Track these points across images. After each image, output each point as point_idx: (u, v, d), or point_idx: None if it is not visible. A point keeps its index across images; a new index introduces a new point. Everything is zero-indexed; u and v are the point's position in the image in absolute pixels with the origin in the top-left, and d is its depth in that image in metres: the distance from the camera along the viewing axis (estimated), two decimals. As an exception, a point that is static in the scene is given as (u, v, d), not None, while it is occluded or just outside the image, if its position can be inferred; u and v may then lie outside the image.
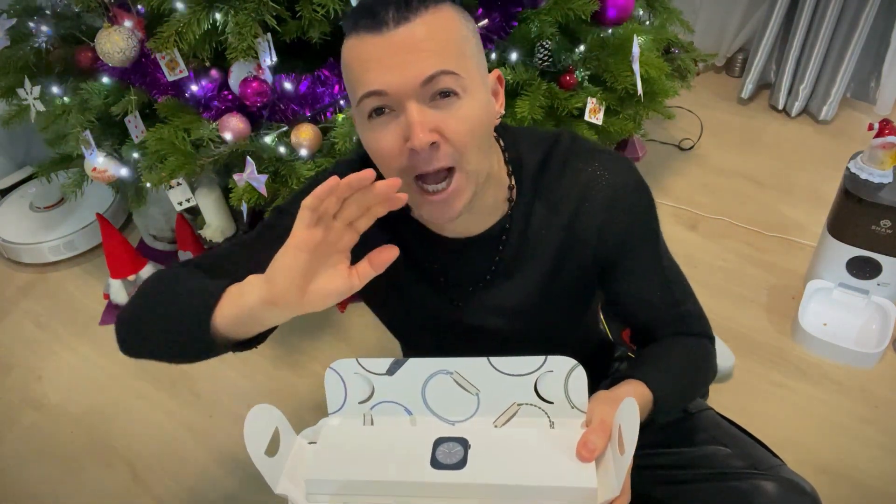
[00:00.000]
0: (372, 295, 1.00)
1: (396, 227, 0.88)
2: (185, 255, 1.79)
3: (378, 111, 0.72)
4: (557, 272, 0.89)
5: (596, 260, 0.88)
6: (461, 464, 0.67)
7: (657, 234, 0.90)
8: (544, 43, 1.50)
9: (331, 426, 0.74)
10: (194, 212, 1.74)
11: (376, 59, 0.69)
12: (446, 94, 0.71)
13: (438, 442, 0.70)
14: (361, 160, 0.87)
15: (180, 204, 1.58)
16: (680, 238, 2.00)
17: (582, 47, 1.58)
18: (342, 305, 1.85)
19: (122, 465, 1.55)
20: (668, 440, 1.07)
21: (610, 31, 1.62)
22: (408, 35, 0.69)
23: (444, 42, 0.70)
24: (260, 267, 0.74)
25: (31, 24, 1.64)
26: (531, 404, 0.70)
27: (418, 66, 0.69)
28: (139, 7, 1.49)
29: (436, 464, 0.68)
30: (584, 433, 0.67)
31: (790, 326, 1.71)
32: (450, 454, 0.68)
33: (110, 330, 1.88)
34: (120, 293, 1.84)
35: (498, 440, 0.70)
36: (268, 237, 0.87)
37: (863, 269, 1.67)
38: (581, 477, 0.64)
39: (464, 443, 0.70)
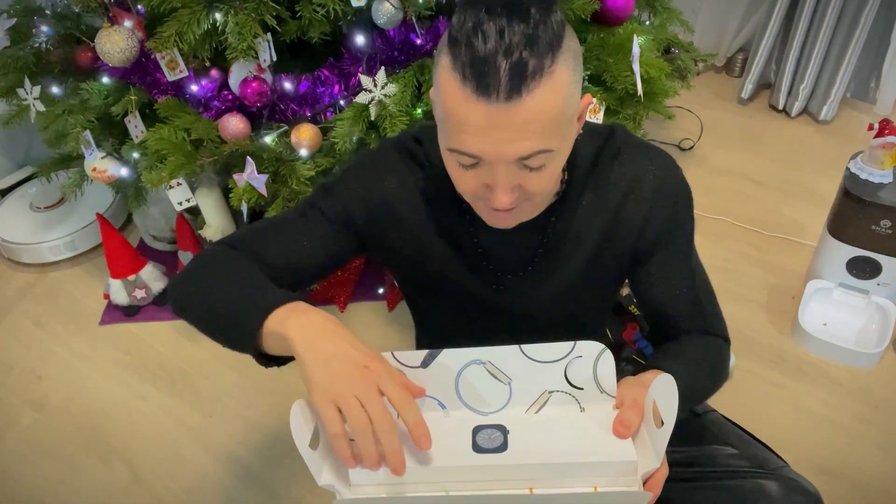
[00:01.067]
0: (411, 283, 1.02)
1: (442, 209, 0.90)
2: (185, 255, 1.79)
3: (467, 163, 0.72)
4: (598, 259, 0.91)
5: (634, 249, 0.91)
6: (503, 447, 0.69)
7: (692, 234, 0.93)
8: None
9: None
10: (194, 212, 1.74)
11: (478, 126, 0.67)
12: (539, 166, 0.71)
13: (477, 429, 0.71)
14: (421, 151, 0.89)
15: (180, 204, 1.58)
16: (680, 238, 2.00)
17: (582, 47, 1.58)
18: (342, 305, 1.85)
19: (122, 465, 1.55)
20: (674, 439, 1.07)
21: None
22: (515, 113, 0.65)
23: (550, 120, 0.68)
24: (306, 249, 0.82)
25: (31, 25, 1.64)
26: (561, 391, 0.73)
27: (518, 146, 0.68)
28: (139, 7, 1.49)
29: (477, 448, 0.69)
30: (619, 411, 0.70)
31: (790, 326, 1.71)
32: (490, 439, 0.70)
33: (110, 330, 1.89)
34: (120, 293, 1.84)
35: (534, 424, 0.72)
36: (312, 217, 0.89)
37: (863, 269, 1.67)
38: (621, 451, 0.67)
39: (502, 429, 0.71)
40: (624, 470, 0.66)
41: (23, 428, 1.65)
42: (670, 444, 0.93)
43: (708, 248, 1.97)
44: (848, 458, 1.44)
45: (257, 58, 1.38)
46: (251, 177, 1.39)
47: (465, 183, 0.75)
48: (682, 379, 0.82)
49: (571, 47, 0.69)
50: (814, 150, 2.33)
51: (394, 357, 0.73)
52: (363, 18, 1.44)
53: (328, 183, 0.91)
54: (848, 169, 1.62)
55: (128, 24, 1.44)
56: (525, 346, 0.71)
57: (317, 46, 1.45)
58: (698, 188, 2.42)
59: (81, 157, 1.62)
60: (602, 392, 0.72)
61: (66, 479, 1.54)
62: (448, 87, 0.68)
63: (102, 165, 1.59)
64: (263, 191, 1.40)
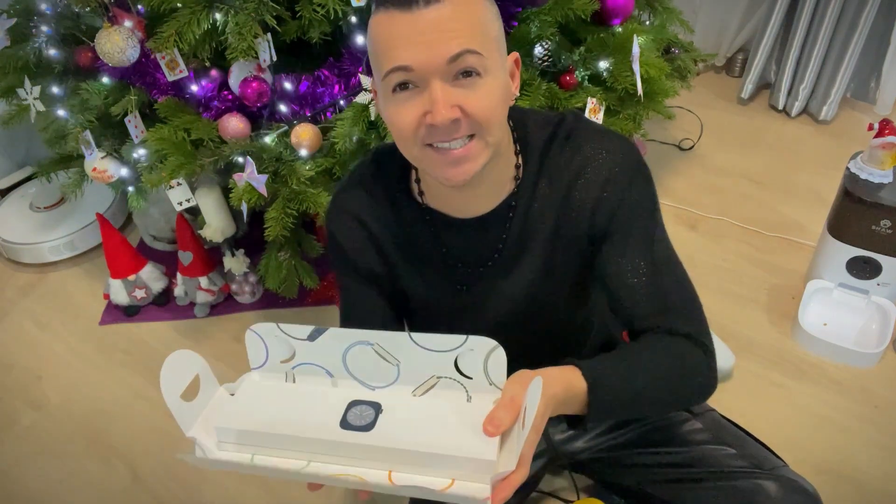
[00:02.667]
0: (402, 306, 1.04)
1: (403, 213, 0.92)
2: (185, 256, 1.79)
3: (402, 86, 0.75)
4: (555, 248, 0.90)
5: (589, 237, 0.89)
6: (369, 426, 0.68)
7: (653, 217, 0.88)
8: (544, 43, 1.50)
9: (251, 380, 0.76)
10: (194, 212, 1.74)
11: (405, 36, 0.72)
12: (469, 73, 0.74)
13: (352, 404, 0.71)
14: (373, 170, 0.92)
15: (180, 204, 1.58)
16: (680, 238, 2.00)
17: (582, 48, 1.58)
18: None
19: (122, 465, 1.55)
20: (672, 440, 1.07)
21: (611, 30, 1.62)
22: (436, 14, 0.71)
23: (470, 22, 0.73)
24: (377, 312, 0.97)
25: (31, 25, 1.64)
26: (450, 378, 0.72)
27: (445, 45, 0.72)
28: (139, 7, 1.49)
29: (345, 424, 0.69)
30: (492, 409, 0.67)
31: (790, 326, 1.71)
32: (360, 416, 0.70)
33: (110, 330, 1.89)
34: (120, 293, 1.84)
35: (412, 408, 0.71)
36: (352, 289, 0.99)
37: (863, 269, 1.67)
38: (482, 449, 0.65)
39: (376, 406, 0.71)
40: (479, 468, 0.64)
41: (23, 428, 1.65)
42: (666, 445, 0.93)
43: (708, 248, 1.97)
44: (848, 458, 1.44)
45: (257, 58, 1.38)
46: (251, 177, 1.39)
47: (408, 116, 0.76)
48: (602, 378, 0.77)
49: None
50: (814, 150, 2.33)
51: (279, 328, 0.73)
52: (363, 18, 1.45)
53: (331, 264, 0.99)
54: (848, 169, 1.62)
55: (128, 24, 1.43)
56: (415, 335, 0.70)
57: (317, 46, 1.45)
58: (698, 188, 2.41)
59: (81, 157, 1.62)
60: (491, 384, 0.71)
61: (66, 478, 1.54)
62: (376, 23, 0.75)
63: (102, 165, 1.59)
64: (263, 191, 1.40)
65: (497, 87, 0.76)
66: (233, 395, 0.75)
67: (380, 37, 0.75)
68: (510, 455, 0.65)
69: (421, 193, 0.92)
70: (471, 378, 0.71)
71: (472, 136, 0.77)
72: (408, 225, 0.92)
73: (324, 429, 0.68)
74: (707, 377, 0.86)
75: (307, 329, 0.73)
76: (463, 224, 0.90)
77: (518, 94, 0.85)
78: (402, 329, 1.05)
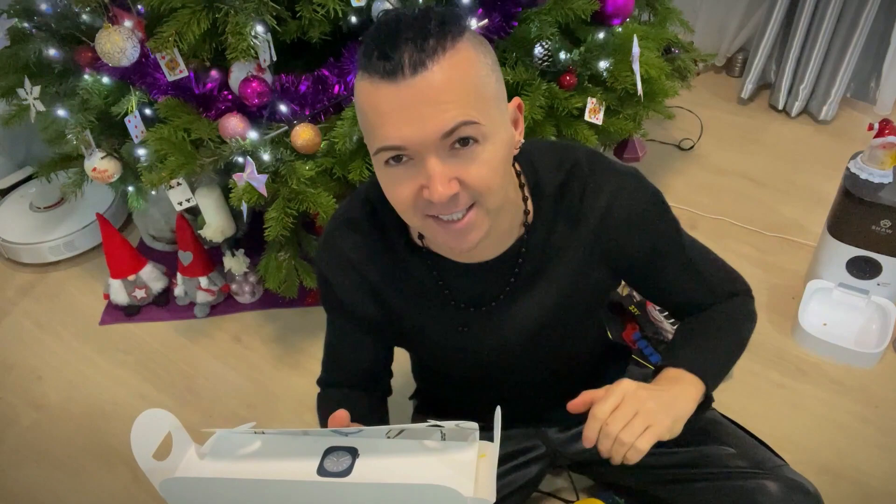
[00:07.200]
0: (408, 347, 1.05)
1: (401, 256, 0.89)
2: (185, 255, 1.79)
3: (396, 158, 0.70)
4: (576, 287, 0.90)
5: (618, 273, 0.92)
6: (346, 472, 0.67)
7: (678, 234, 0.92)
8: (544, 43, 1.50)
9: (221, 436, 0.75)
10: (194, 212, 1.73)
11: (392, 112, 0.67)
12: (466, 141, 0.69)
13: (329, 451, 0.70)
14: (368, 213, 0.90)
15: (180, 204, 1.58)
16: (680, 238, 2.00)
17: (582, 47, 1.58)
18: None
19: (122, 466, 1.55)
20: (673, 440, 1.07)
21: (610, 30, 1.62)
22: (425, 85, 0.65)
23: (463, 90, 0.67)
24: (364, 353, 1.00)
25: (31, 25, 1.64)
26: (425, 424, 0.70)
27: (437, 120, 0.66)
28: (139, 7, 1.49)
29: (322, 471, 0.67)
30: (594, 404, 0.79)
31: (790, 326, 1.71)
32: (337, 462, 0.68)
33: (110, 330, 1.89)
34: (120, 293, 1.84)
35: (388, 449, 0.70)
36: (340, 329, 1.01)
37: (863, 269, 1.67)
38: (460, 480, 0.65)
39: (353, 451, 0.69)
40: (449, 498, 0.64)
41: (23, 428, 1.65)
42: (671, 443, 0.94)
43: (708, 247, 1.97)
44: (848, 458, 1.44)
45: (257, 58, 1.38)
46: (251, 177, 1.39)
47: (402, 192, 0.72)
48: (702, 364, 0.87)
49: (481, 40, 0.72)
50: (814, 150, 2.33)
51: (253, 432, 0.73)
52: (363, 18, 1.45)
53: (320, 299, 0.99)
54: (848, 169, 1.62)
55: (128, 24, 1.43)
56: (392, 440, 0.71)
57: (317, 46, 1.45)
58: (698, 188, 2.41)
59: (81, 157, 1.62)
60: (463, 428, 0.69)
61: (66, 479, 1.54)
62: (361, 90, 0.69)
63: (102, 165, 1.59)
64: (263, 191, 1.40)
65: (497, 150, 0.71)
66: (202, 450, 0.74)
67: (366, 107, 0.69)
68: (489, 484, 0.66)
69: (420, 237, 0.88)
70: (441, 426, 0.70)
71: (472, 205, 0.73)
72: (407, 268, 0.90)
73: (301, 475, 0.67)
74: (753, 313, 1.00)
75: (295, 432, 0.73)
76: (467, 268, 0.88)
77: (522, 140, 0.80)
78: (388, 371, 1.08)
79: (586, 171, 0.86)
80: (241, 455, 0.71)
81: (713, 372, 0.88)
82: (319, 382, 1.07)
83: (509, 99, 0.77)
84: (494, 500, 0.65)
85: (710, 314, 0.96)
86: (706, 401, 0.87)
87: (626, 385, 0.79)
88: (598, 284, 0.92)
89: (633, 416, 0.77)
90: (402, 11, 0.68)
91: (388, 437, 0.72)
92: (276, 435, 0.73)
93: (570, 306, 0.92)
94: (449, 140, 0.68)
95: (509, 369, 0.78)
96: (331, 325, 1.02)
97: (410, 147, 0.68)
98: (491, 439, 0.68)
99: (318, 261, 0.94)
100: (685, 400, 0.83)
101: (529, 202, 0.86)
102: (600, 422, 0.77)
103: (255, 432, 0.73)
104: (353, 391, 1.03)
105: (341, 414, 0.75)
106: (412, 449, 0.70)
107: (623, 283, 1.05)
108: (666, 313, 1.64)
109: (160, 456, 0.68)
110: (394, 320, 0.94)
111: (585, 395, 0.81)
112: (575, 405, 0.81)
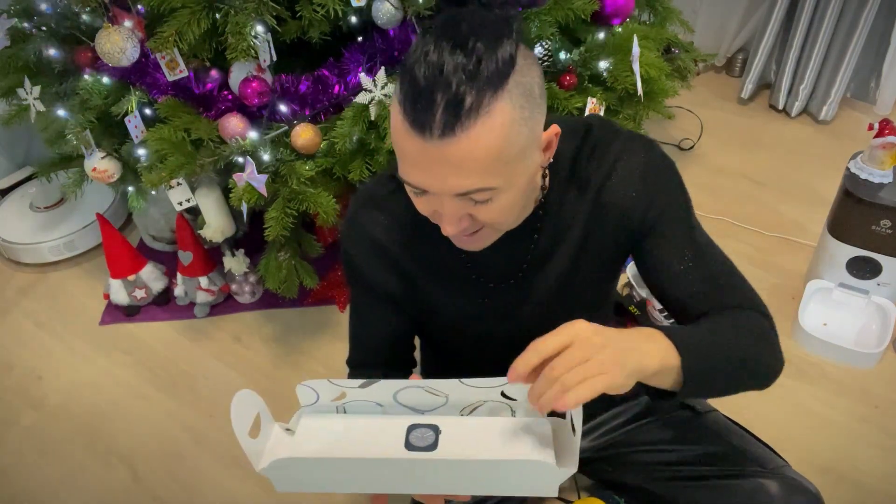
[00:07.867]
0: (427, 323, 1.05)
1: (424, 230, 0.89)
2: (185, 255, 1.79)
3: (416, 188, 0.74)
4: (584, 247, 0.90)
5: (622, 232, 0.88)
6: (433, 446, 0.71)
7: (687, 207, 0.90)
8: (544, 43, 1.50)
9: (307, 415, 0.79)
10: (194, 212, 1.73)
11: (416, 160, 0.69)
12: (483, 199, 0.72)
13: (412, 428, 0.74)
14: (392, 191, 0.92)
15: (180, 204, 1.58)
16: (680, 238, 2.00)
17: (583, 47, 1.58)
18: (342, 305, 1.85)
19: (122, 465, 1.55)
20: (675, 438, 1.07)
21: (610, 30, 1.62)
22: (450, 152, 0.66)
23: (488, 158, 0.67)
24: (387, 329, 1.00)
25: (31, 25, 1.64)
26: (495, 401, 0.74)
27: (455, 183, 0.69)
28: (139, 7, 1.49)
29: (409, 446, 0.71)
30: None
31: (790, 326, 1.71)
32: (422, 438, 0.72)
33: (110, 330, 1.89)
34: (120, 293, 1.84)
35: (466, 426, 0.74)
36: (364, 308, 1.01)
37: (863, 269, 1.67)
38: (540, 452, 0.70)
39: (435, 428, 0.73)
40: (542, 470, 0.70)
41: (23, 428, 1.65)
42: (668, 443, 0.94)
43: (708, 248, 1.97)
44: (848, 458, 1.44)
45: (257, 58, 1.38)
46: (251, 177, 1.39)
47: (420, 207, 0.78)
48: (686, 339, 0.76)
49: (522, 83, 0.68)
50: (814, 150, 2.33)
51: (329, 381, 0.75)
52: (363, 18, 1.45)
53: (348, 279, 1.00)
54: (848, 169, 1.62)
55: (128, 24, 1.43)
56: (465, 379, 0.73)
57: (317, 46, 1.45)
58: (698, 188, 2.41)
59: (81, 157, 1.62)
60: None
61: (66, 478, 1.54)
62: (394, 117, 0.69)
63: (102, 165, 1.59)
64: (263, 191, 1.40)
65: (514, 196, 0.74)
66: (287, 429, 0.78)
67: (395, 135, 0.70)
68: (572, 456, 0.70)
69: None
70: (515, 399, 0.74)
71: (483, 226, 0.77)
72: (429, 242, 0.91)
73: (391, 451, 0.71)
74: (775, 343, 0.90)
75: (358, 382, 0.75)
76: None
77: (551, 159, 0.80)
78: (412, 345, 1.09)
79: (597, 134, 0.87)
80: (330, 433, 0.75)
81: (694, 345, 0.76)
82: (349, 362, 1.08)
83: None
84: (576, 469, 0.69)
85: (714, 317, 0.86)
86: (688, 382, 0.75)
87: (579, 327, 0.69)
88: (604, 250, 0.90)
89: (581, 362, 0.66)
90: (449, 52, 0.64)
91: (462, 415, 0.75)
92: (356, 415, 0.78)
93: (582, 272, 0.92)
94: (464, 196, 0.71)
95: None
96: (354, 300, 1.03)
97: (428, 190, 0.72)
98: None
99: (342, 237, 0.97)
100: (646, 355, 0.71)
101: (547, 179, 0.87)
102: (540, 356, 0.67)
103: (335, 397, 0.77)
104: (378, 371, 1.03)
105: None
106: (491, 425, 0.74)
107: (623, 282, 1.04)
108: (666, 313, 1.64)
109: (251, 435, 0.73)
110: (416, 294, 0.97)
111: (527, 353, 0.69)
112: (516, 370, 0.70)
